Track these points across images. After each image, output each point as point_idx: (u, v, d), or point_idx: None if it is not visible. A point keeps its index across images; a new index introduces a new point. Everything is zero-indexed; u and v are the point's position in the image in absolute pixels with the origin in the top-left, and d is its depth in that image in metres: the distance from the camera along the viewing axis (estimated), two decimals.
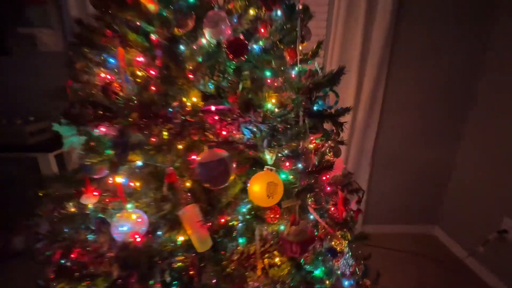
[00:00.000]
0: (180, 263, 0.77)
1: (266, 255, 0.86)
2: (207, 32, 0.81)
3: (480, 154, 2.13)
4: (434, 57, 2.10)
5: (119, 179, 0.73)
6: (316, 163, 1.06)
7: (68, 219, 0.87)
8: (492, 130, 2.03)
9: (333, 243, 1.11)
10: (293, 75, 1.05)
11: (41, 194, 0.89)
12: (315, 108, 1.06)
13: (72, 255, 0.78)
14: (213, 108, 0.78)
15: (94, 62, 0.78)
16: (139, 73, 0.82)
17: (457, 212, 2.34)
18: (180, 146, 0.77)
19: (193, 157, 0.74)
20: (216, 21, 0.78)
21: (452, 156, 2.36)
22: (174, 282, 0.76)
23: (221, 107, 0.80)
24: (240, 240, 0.91)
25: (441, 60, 2.10)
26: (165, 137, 0.76)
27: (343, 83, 2.13)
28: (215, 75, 0.81)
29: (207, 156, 0.67)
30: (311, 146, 1.04)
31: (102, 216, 0.86)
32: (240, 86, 0.81)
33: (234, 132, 0.80)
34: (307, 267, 0.97)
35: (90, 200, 0.86)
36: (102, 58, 0.77)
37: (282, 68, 0.91)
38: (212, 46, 0.80)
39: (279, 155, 0.96)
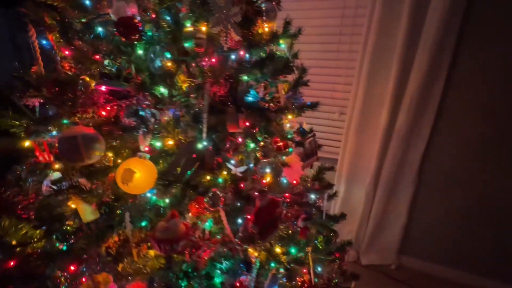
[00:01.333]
0: (68, 228, 0.85)
1: (148, 244, 0.84)
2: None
3: None
4: None
5: (28, 143, 0.87)
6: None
7: (33, 172, 1.09)
8: None
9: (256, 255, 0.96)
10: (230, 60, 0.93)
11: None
12: (249, 98, 0.92)
13: (16, 199, 0.99)
14: (103, 88, 0.80)
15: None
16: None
17: None
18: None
19: None
20: None
21: None
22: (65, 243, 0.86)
23: (113, 87, 0.81)
24: (143, 224, 0.92)
25: None
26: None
27: (380, 75, 1.68)
28: (117, 56, 0.82)
29: (65, 132, 0.71)
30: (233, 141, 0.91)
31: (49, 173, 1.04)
32: (133, 68, 0.79)
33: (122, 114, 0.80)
34: (203, 271, 0.88)
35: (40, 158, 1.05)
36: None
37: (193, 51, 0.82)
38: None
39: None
